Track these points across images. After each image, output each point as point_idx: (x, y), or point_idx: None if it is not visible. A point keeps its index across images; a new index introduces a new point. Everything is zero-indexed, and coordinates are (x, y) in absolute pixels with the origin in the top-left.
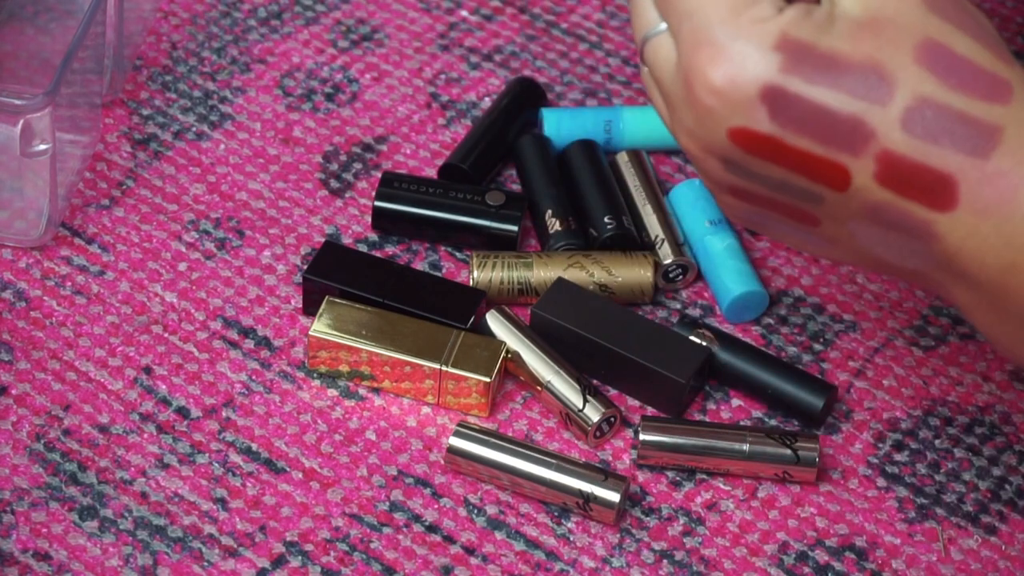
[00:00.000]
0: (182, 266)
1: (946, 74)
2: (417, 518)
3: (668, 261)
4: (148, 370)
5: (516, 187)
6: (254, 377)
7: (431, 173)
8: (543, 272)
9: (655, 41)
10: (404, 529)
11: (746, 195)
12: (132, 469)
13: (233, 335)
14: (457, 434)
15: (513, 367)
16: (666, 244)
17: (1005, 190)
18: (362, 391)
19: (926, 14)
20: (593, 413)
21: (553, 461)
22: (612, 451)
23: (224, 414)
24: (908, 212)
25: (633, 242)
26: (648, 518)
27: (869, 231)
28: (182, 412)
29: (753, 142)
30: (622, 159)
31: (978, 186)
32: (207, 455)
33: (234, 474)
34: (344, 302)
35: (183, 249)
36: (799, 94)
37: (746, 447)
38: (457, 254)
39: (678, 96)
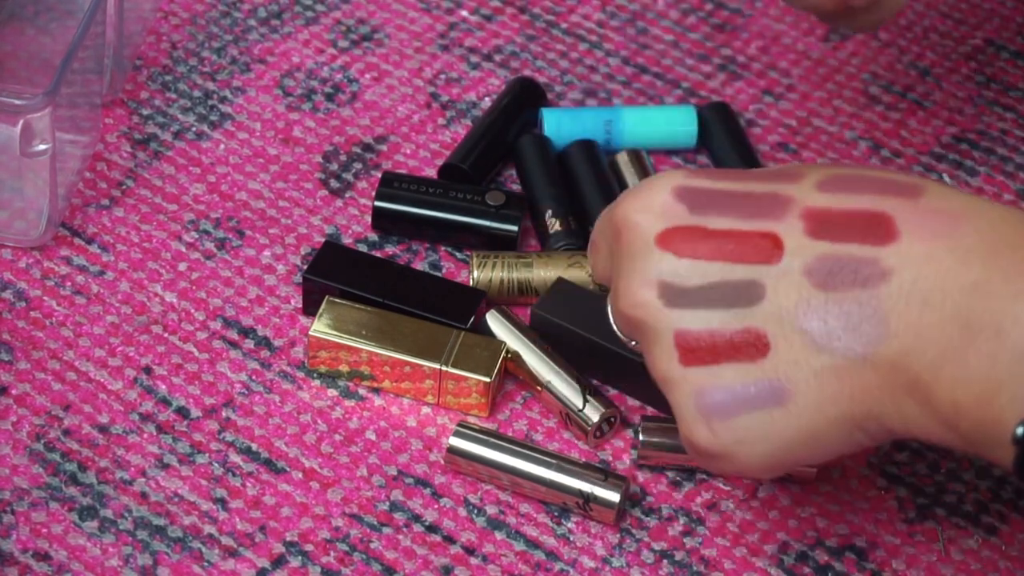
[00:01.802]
0: (182, 266)
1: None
2: (417, 518)
3: None
4: (148, 370)
5: (516, 187)
6: (254, 377)
7: (431, 173)
8: (543, 272)
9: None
10: (404, 529)
11: (693, 341)
12: (132, 469)
13: (233, 335)
14: (457, 434)
15: (513, 367)
16: None
17: (945, 220)
18: (362, 391)
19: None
20: (593, 413)
21: (553, 461)
22: (612, 451)
23: (224, 414)
24: (851, 255)
25: None
26: (648, 518)
27: (817, 313)
28: (182, 412)
29: (682, 237)
30: (622, 159)
31: (916, 219)
32: (207, 455)
33: (234, 474)
34: (344, 302)
35: (183, 249)
36: (708, 188)
37: None
38: (457, 254)
39: (611, 246)
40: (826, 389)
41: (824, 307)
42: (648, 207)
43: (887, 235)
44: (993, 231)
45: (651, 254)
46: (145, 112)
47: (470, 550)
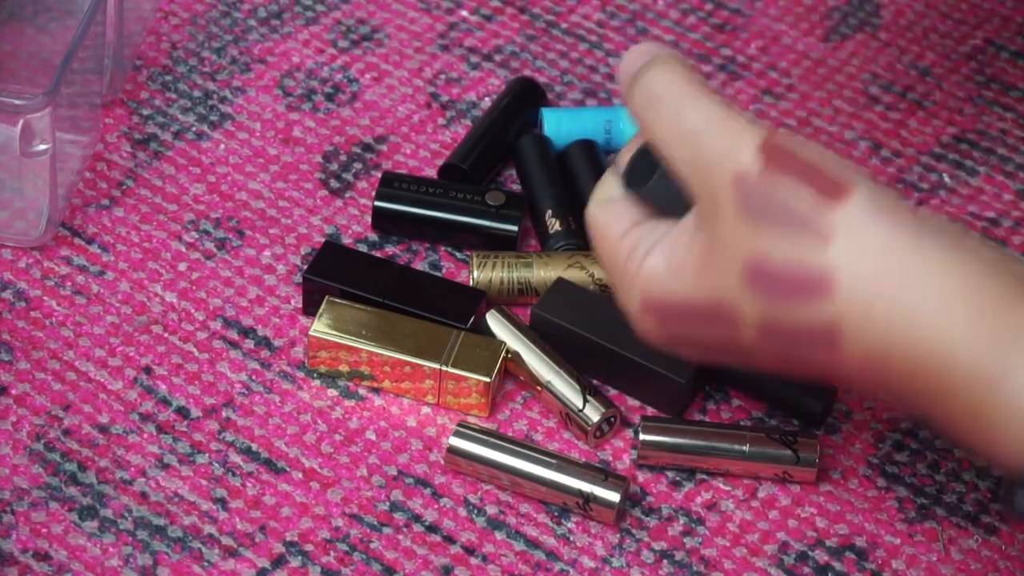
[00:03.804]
0: (182, 266)
1: (771, 291)
2: (417, 518)
3: None
4: (148, 370)
5: (516, 187)
6: (254, 377)
7: (431, 173)
8: (543, 272)
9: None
10: (404, 529)
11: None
12: (132, 469)
13: (233, 335)
14: (457, 434)
15: (513, 367)
16: None
17: (872, 370)
18: (362, 391)
19: (742, 228)
20: (593, 413)
21: (553, 461)
22: (612, 451)
23: (224, 414)
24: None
25: None
26: (648, 518)
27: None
28: (182, 412)
29: (655, 340)
30: None
31: (847, 366)
32: (207, 455)
33: (234, 474)
34: (344, 302)
35: (183, 249)
36: (677, 333)
37: (746, 447)
38: (457, 254)
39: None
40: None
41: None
42: (634, 321)
43: (835, 365)
44: (915, 382)
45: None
46: (145, 112)
47: (470, 550)
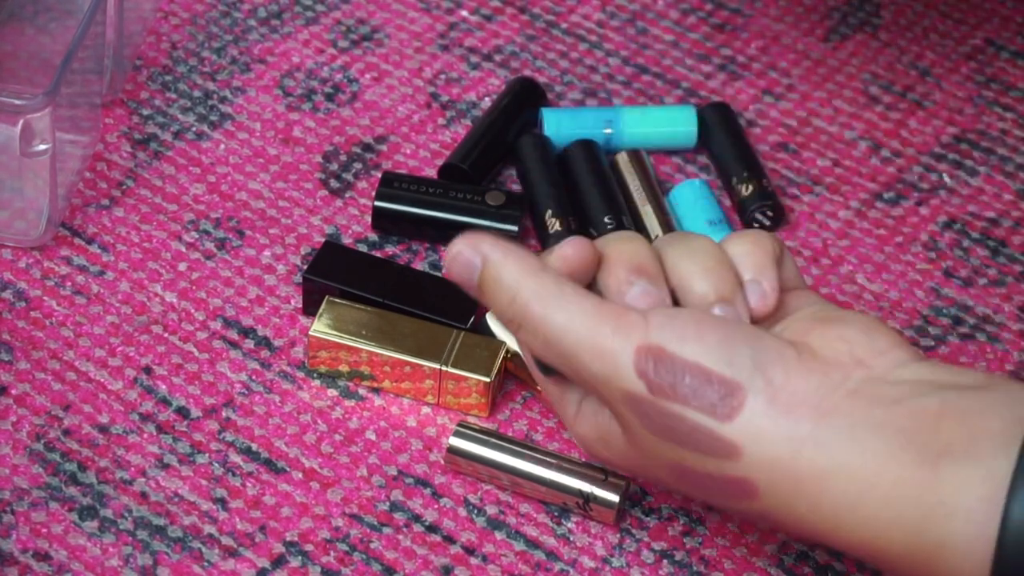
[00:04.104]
0: (182, 266)
1: (700, 490)
2: (417, 518)
3: None
4: (148, 370)
5: (516, 187)
6: (254, 377)
7: (431, 173)
8: None
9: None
10: (404, 529)
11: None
12: (132, 469)
13: (233, 335)
14: (457, 434)
15: (513, 367)
16: None
17: (787, 518)
18: (362, 391)
19: (655, 441)
20: None
21: (553, 461)
22: None
23: (224, 414)
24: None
25: None
26: (648, 518)
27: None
28: (182, 412)
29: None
30: (622, 159)
31: (768, 515)
32: (207, 455)
33: (234, 474)
34: (344, 302)
35: (183, 249)
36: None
37: None
38: None
39: None
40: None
41: None
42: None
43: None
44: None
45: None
46: (145, 112)
47: (470, 550)
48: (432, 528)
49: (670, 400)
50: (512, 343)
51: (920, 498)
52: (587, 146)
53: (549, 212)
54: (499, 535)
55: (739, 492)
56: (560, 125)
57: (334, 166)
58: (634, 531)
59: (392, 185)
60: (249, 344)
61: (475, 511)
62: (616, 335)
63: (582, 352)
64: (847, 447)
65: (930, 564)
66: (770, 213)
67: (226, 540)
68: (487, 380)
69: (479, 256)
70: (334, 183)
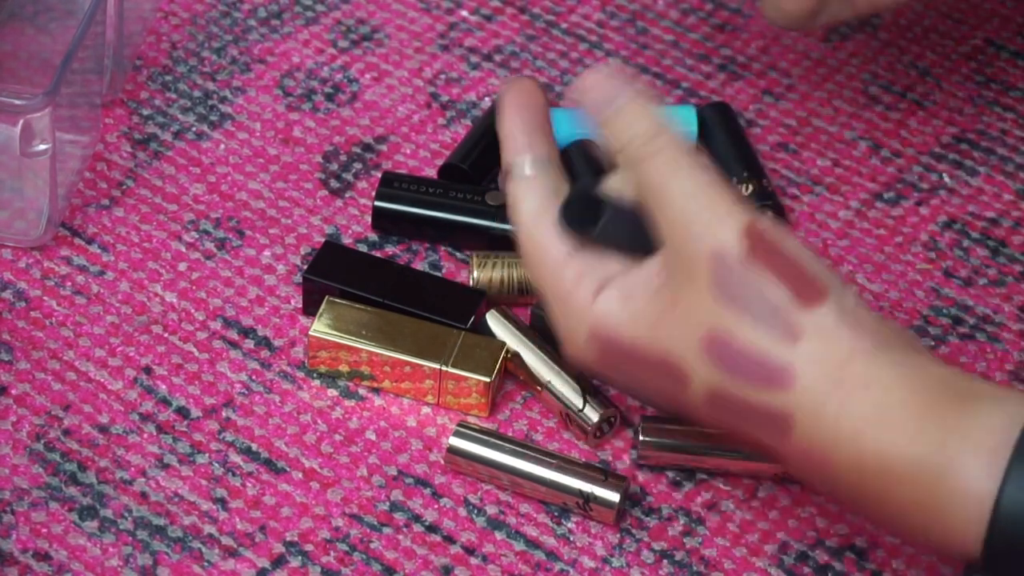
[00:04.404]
0: (182, 266)
1: (729, 366)
2: (417, 518)
3: None
4: (148, 370)
5: None
6: (254, 377)
7: (431, 173)
8: None
9: (521, 183)
10: (404, 529)
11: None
12: (132, 469)
13: (233, 335)
14: (457, 434)
15: (513, 367)
16: None
17: (817, 463)
18: (362, 391)
19: (711, 304)
20: (593, 413)
21: (553, 461)
22: (612, 451)
23: (224, 414)
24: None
25: None
26: (648, 518)
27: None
28: (182, 412)
29: (591, 369)
30: None
31: (793, 457)
32: (207, 455)
33: (234, 474)
34: (344, 302)
35: (183, 249)
36: (616, 378)
37: None
38: (457, 254)
39: None
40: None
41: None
42: (575, 360)
43: (778, 458)
44: (863, 479)
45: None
46: (145, 112)
47: (470, 550)
48: (432, 528)
49: (760, 268)
50: (512, 343)
51: (944, 445)
52: (587, 146)
53: None
54: (499, 535)
55: (771, 422)
56: (560, 125)
57: (334, 166)
58: (634, 531)
59: (392, 185)
60: (249, 344)
61: (475, 511)
62: (735, 204)
63: (701, 194)
64: (895, 383)
65: (937, 519)
66: (770, 213)
67: (226, 540)
68: (487, 380)
69: (629, 89)
70: (334, 183)
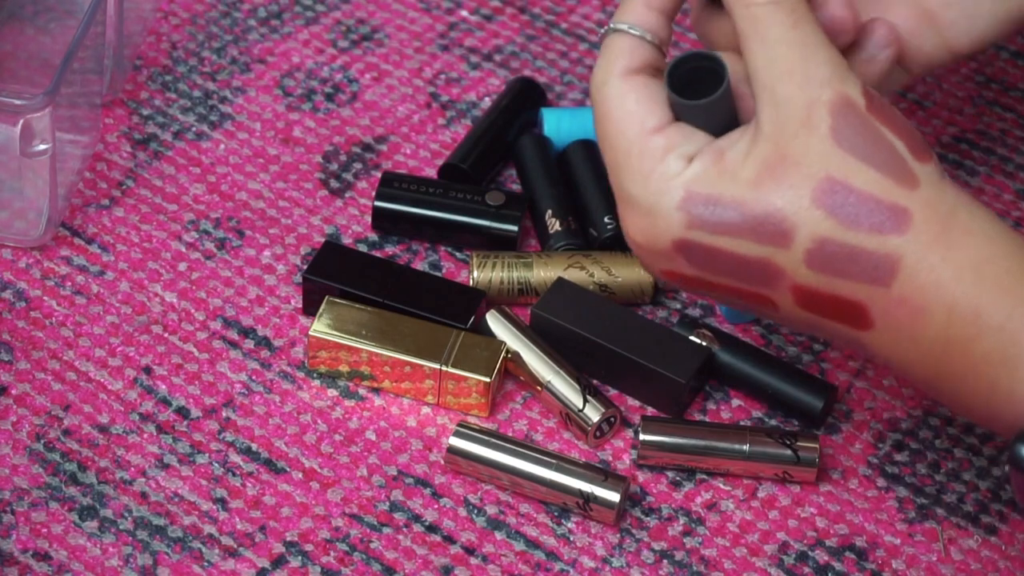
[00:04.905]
0: (182, 266)
1: (843, 213)
2: (417, 518)
3: None
4: (148, 370)
5: (516, 187)
6: (254, 377)
7: (431, 173)
8: (543, 272)
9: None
10: (404, 529)
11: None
12: (132, 469)
13: (233, 335)
14: (457, 434)
15: (513, 367)
16: None
17: (911, 313)
18: (362, 391)
19: (830, 150)
20: (593, 413)
21: (553, 461)
22: (612, 451)
23: (224, 414)
24: (836, 329)
25: None
26: (648, 518)
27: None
28: (182, 412)
29: (682, 280)
30: None
31: (886, 311)
32: (207, 455)
33: (234, 474)
34: (344, 302)
35: (183, 249)
36: (707, 245)
37: (746, 447)
38: (457, 254)
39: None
40: None
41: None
42: (649, 248)
43: (864, 324)
44: (950, 326)
45: (655, 270)
46: (145, 112)
47: (470, 550)
48: (432, 528)
49: (885, 120)
50: (512, 343)
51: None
52: (587, 146)
53: (549, 212)
54: (499, 535)
55: (876, 270)
56: (560, 125)
57: (334, 166)
58: (634, 531)
59: (392, 185)
60: (249, 344)
61: (475, 511)
62: (845, 62)
63: (820, 48)
64: (997, 235)
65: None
66: None
67: (226, 540)
68: (487, 380)
69: None
70: (334, 183)
